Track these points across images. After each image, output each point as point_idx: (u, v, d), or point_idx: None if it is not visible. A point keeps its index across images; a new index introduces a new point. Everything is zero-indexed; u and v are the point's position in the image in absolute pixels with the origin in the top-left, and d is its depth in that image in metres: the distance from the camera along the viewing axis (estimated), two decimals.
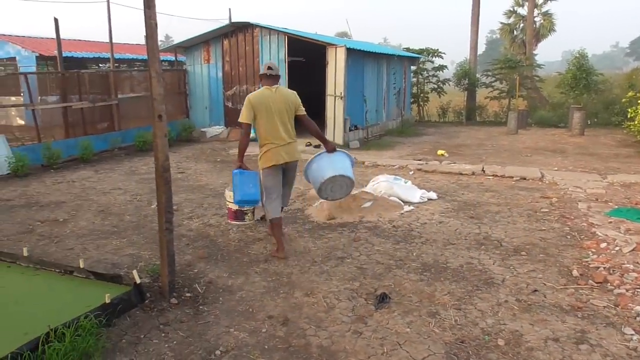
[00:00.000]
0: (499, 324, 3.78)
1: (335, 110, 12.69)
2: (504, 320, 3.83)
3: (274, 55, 13.52)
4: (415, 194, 7.36)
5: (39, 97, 13.44)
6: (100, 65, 20.19)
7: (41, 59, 16.72)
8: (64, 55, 17.33)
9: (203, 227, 6.19)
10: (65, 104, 10.75)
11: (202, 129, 14.42)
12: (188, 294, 4.33)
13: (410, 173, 9.40)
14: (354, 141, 13.03)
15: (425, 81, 21.74)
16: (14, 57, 17.15)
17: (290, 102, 5.16)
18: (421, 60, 20.47)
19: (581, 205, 6.95)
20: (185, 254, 5.31)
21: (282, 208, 5.46)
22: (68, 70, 11.58)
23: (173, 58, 16.06)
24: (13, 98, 15.20)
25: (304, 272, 4.78)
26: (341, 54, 12.11)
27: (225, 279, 4.66)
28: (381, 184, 7.39)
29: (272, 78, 5.17)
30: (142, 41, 25.18)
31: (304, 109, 5.32)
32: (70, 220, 6.51)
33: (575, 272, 4.68)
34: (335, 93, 12.56)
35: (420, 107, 21.63)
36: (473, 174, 9.16)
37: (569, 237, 5.72)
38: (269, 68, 5.15)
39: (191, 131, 13.88)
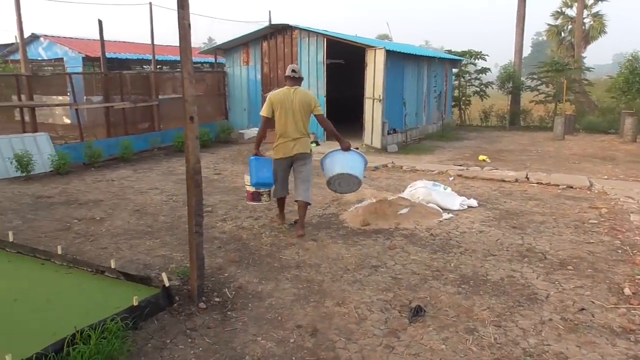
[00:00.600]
0: (542, 344, 3.52)
1: (373, 113, 12.48)
2: (547, 340, 3.56)
3: (312, 58, 13.45)
4: (455, 201, 7.09)
5: (85, 97, 13.86)
6: (145, 66, 20.64)
7: (87, 60, 17.23)
8: (108, 56, 17.82)
9: (236, 230, 6.12)
10: (107, 104, 10.97)
11: (240, 131, 14.49)
12: (217, 299, 4.24)
13: (450, 179, 9.11)
14: (392, 145, 12.78)
15: (468, 84, 21.21)
16: (62, 58, 17.75)
17: (306, 103, 5.68)
18: (463, 62, 19.99)
19: (633, 217, 6.52)
20: (216, 257, 5.25)
21: (287, 193, 6.18)
22: (110, 71, 11.82)
23: (213, 60, 16.20)
24: (60, 97, 15.71)
25: (335, 280, 4.62)
26: (380, 56, 11.91)
27: (255, 284, 4.56)
28: (419, 190, 7.16)
29: (294, 80, 5.76)
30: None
31: (320, 109, 5.83)
32: (106, 219, 6.57)
33: (627, 290, 4.34)
34: (373, 96, 12.36)
35: (462, 111, 21.11)
36: (516, 181, 8.78)
37: (620, 251, 5.34)
38: (293, 71, 5.77)
39: (229, 132, 13.96)
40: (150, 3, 12.26)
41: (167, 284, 4.06)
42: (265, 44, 14.15)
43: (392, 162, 10.51)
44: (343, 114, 17.32)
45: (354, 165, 5.86)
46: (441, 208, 6.86)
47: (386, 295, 4.31)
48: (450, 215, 6.66)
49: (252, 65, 14.41)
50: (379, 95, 12.07)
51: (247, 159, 6.52)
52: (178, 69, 17.54)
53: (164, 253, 5.35)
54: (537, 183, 8.59)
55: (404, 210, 6.51)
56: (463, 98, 20.98)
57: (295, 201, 6.08)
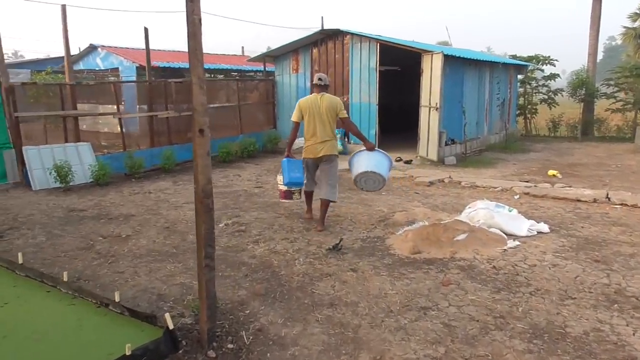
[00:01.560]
0: None
1: (429, 122, 11.56)
2: None
3: (364, 64, 12.70)
4: (522, 226, 6.10)
5: (138, 106, 13.70)
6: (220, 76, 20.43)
7: (141, 69, 17.31)
8: (161, 65, 17.87)
9: (267, 254, 5.44)
10: (151, 113, 10.70)
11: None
12: (230, 345, 3.56)
13: (516, 197, 8.06)
14: (449, 157, 11.78)
15: (534, 91, 19.75)
16: (117, 68, 17.96)
17: (332, 107, 6.16)
18: (529, 68, 18.58)
19: None
20: (240, 287, 4.59)
21: (313, 191, 6.66)
22: (155, 80, 11.58)
23: (262, 68, 15.78)
24: (113, 106, 15.77)
25: (375, 326, 3.82)
26: (437, 61, 10.99)
27: (279, 326, 3.85)
28: (479, 212, 6.22)
29: (320, 87, 6.29)
30: (238, 51, 25.58)
31: (345, 112, 6.30)
32: (132, 237, 6.09)
33: None
34: (430, 104, 11.44)
35: (527, 120, 19.66)
36: (595, 201, 7.62)
37: None
38: (320, 79, 6.31)
39: (277, 142, 13.43)
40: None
41: (171, 326, 3.42)
42: (315, 51, 13.55)
43: (449, 177, 9.55)
44: (397, 123, 16.49)
45: (377, 163, 6.15)
46: (505, 234, 5.90)
47: (436, 350, 3.48)
48: (517, 242, 5.69)
49: (301, 72, 13.84)
50: (436, 103, 11.14)
51: (281, 160, 6.76)
52: (230, 77, 17.28)
53: (183, 281, 4.75)
54: (621, 204, 7.40)
55: (462, 237, 5.61)
56: (529, 106, 19.53)
57: (319, 199, 6.42)
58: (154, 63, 17.85)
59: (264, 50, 15.09)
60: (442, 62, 10.83)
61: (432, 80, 11.32)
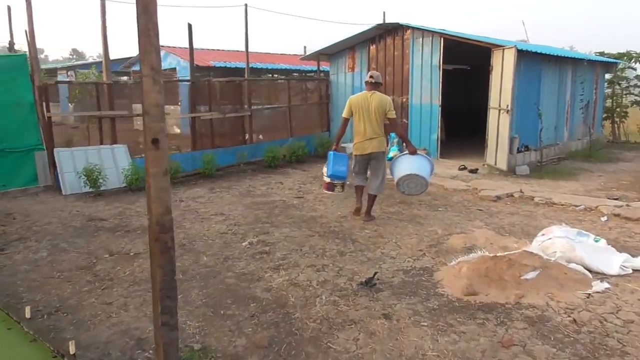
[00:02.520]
0: None
1: (499, 126, 10.17)
2: None
3: (426, 61, 11.48)
4: (613, 261, 4.78)
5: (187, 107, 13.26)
6: (269, 76, 19.99)
7: (197, 70, 17.00)
8: (217, 65, 17.49)
9: (286, 287, 4.50)
10: (193, 114, 10.11)
11: (343, 144, 12.88)
12: None
13: (603, 220, 6.62)
14: (522, 166, 10.32)
15: (624, 92, 17.52)
16: (175, 68, 17.79)
17: (381, 106, 6.28)
18: (620, 66, 16.45)
19: None
20: (241, 333, 3.67)
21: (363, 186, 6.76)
22: (198, 79, 11.00)
23: (316, 67, 14.90)
24: (172, 107, 15.53)
25: None
26: (510, 57, 9.60)
27: None
28: (556, 241, 4.94)
29: (372, 85, 6.41)
30: (294, 50, 24.87)
31: (394, 113, 6.38)
32: (141, 255, 5.37)
33: None
34: (499, 105, 10.06)
35: (615, 125, 17.46)
36: None
37: None
38: (371, 77, 6.45)
39: (329, 146, 12.46)
40: (246, 5, 11.25)
41: None
42: (372, 48, 12.48)
43: (520, 190, 8.18)
44: (463, 128, 15.06)
45: (420, 166, 6.34)
46: (590, 272, 4.61)
47: None
48: (606, 284, 4.39)
49: (357, 71, 12.82)
50: (507, 105, 9.74)
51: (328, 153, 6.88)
52: (280, 77, 16.51)
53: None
54: None
55: (532, 274, 4.39)
56: (618, 109, 17.34)
57: (367, 193, 6.69)
58: (210, 62, 17.58)
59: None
60: (515, 58, 9.43)
61: (502, 79, 9.93)
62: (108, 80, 8.89)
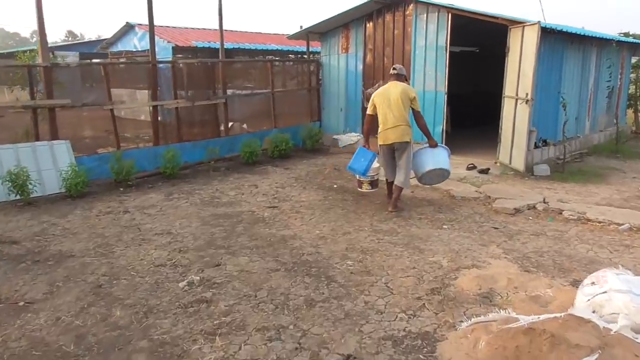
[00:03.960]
0: None
1: (515, 119, 8.60)
2: None
3: (430, 41, 9.87)
4: None
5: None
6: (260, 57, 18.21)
7: (178, 50, 15.42)
8: (200, 45, 15.86)
9: None
10: (154, 102, 8.56)
11: (335, 136, 11.40)
12: None
13: None
14: (541, 165, 8.78)
15: None
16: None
17: (405, 94, 6.23)
18: None
19: None
20: None
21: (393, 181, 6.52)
22: (160, 60, 9.44)
23: (304, 48, 13.26)
24: (136, 92, 13.72)
25: None
26: (531, 36, 8.00)
27: None
28: (615, 298, 3.41)
29: (395, 76, 6.41)
30: (290, 30, 23.02)
31: (418, 105, 6.36)
32: (35, 305, 3.90)
33: None
34: (517, 94, 8.48)
35: (639, 114, 15.81)
36: None
37: None
38: (394, 68, 6.49)
39: (318, 138, 10.95)
40: None
41: None
42: (369, 26, 10.85)
43: (544, 201, 6.67)
44: (468, 117, 13.45)
45: (443, 160, 6.59)
46: None
47: None
48: None
49: (352, 52, 11.19)
50: (526, 94, 8.16)
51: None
52: (260, 58, 14.78)
53: None
54: None
55: None
56: None
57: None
58: (192, 43, 15.95)
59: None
60: (539, 37, 7.82)
61: (522, 63, 8.34)
62: (44, 62, 7.33)
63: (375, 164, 6.84)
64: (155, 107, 8.61)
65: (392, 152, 6.39)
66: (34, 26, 6.62)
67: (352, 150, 11.23)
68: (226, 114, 9.72)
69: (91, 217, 6.21)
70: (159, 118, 8.86)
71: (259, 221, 6.03)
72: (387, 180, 6.64)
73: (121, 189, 7.52)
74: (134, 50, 17.19)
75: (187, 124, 9.18)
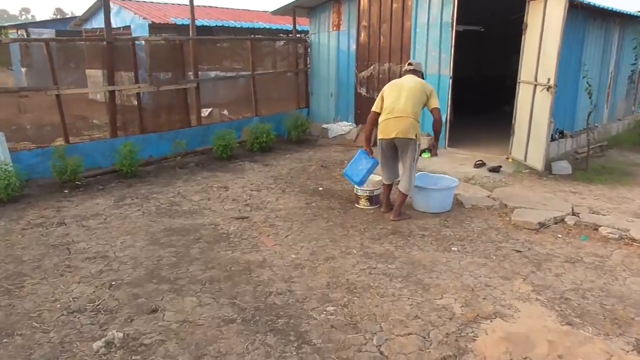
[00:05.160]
0: None
1: (533, 108, 7.37)
2: None
3: (434, 16, 8.56)
4: None
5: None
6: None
7: (154, 28, 14.04)
8: (179, 22, 14.44)
9: None
10: (111, 87, 7.27)
11: (324, 126, 10.15)
12: None
13: None
14: (560, 162, 7.58)
15: None
16: (129, 26, 14.73)
17: (419, 88, 5.24)
18: None
19: None
20: None
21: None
22: (117, 38, 8.12)
23: (301, 27, 11.95)
24: (93, 72, 12.23)
25: None
26: (557, 10, 6.73)
27: None
28: None
29: (410, 72, 5.45)
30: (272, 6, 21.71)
31: (436, 102, 5.30)
32: None
33: None
34: (536, 79, 7.24)
35: None
36: None
37: None
38: (409, 64, 5.54)
39: (305, 128, 9.68)
40: None
41: None
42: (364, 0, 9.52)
43: (573, 212, 5.49)
44: (470, 103, 12.21)
45: (443, 204, 5.62)
46: None
47: None
48: None
49: (344, 30, 9.86)
50: (548, 79, 6.92)
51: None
52: (238, 36, 13.34)
53: None
54: None
55: None
56: None
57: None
58: (170, 20, 14.55)
59: None
60: (566, 11, 6.54)
61: (542, 43, 7.08)
62: None
63: (377, 177, 5.74)
64: (112, 92, 7.31)
65: (393, 150, 5.36)
66: (23, 3, 5.29)
67: (343, 142, 10.09)
68: (198, 100, 8.44)
69: (15, 232, 4.99)
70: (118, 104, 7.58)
71: (222, 239, 4.82)
72: (384, 184, 5.62)
73: (66, 191, 6.28)
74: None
75: (152, 112, 7.91)
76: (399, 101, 5.16)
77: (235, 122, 9.09)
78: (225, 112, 10.33)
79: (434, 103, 5.25)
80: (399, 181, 5.55)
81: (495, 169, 7.43)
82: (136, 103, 7.70)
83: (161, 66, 7.94)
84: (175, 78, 8.05)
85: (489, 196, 6.13)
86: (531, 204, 5.75)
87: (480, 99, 12.60)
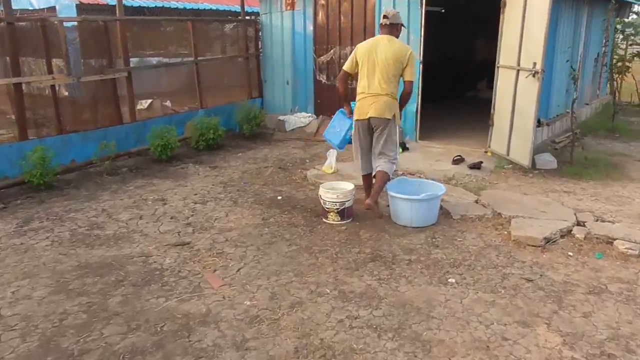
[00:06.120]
0: None
1: (516, 96, 6.54)
2: None
3: None
4: None
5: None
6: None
7: (83, 10, 12.44)
8: (128, 4, 12.79)
9: None
10: (16, 79, 5.89)
11: (281, 117, 9.05)
12: None
13: None
14: (543, 155, 6.84)
15: (628, 42, 14.27)
16: (54, 7, 12.99)
17: (396, 58, 4.66)
18: (635, 9, 13.09)
19: None
20: None
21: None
22: (22, 17, 6.72)
23: (251, 8, 10.71)
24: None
25: None
26: None
27: None
28: None
29: (387, 28, 4.78)
30: None
31: (412, 74, 4.75)
32: None
33: None
34: (518, 64, 6.41)
35: (616, 83, 14.22)
36: None
37: None
38: (385, 16, 4.80)
39: (260, 121, 8.55)
40: None
41: None
42: None
43: (578, 221, 4.69)
44: (436, 88, 11.42)
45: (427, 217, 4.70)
46: None
47: None
48: None
49: (299, 9, 8.73)
50: (534, 63, 6.09)
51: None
52: (176, 17, 11.87)
53: None
54: None
55: None
56: (619, 64, 14.02)
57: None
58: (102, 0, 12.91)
59: None
60: None
61: (525, 22, 6.25)
62: None
63: (348, 185, 4.95)
64: (18, 85, 5.93)
65: (370, 134, 4.87)
66: None
67: (303, 136, 9.02)
68: (131, 91, 7.14)
69: None
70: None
71: (153, 279, 3.71)
72: (362, 175, 5.08)
73: None
74: (31, 9, 13.88)
75: (73, 108, 6.59)
76: (373, 77, 4.70)
77: (176, 116, 7.86)
78: (168, 103, 9.06)
79: (409, 75, 4.72)
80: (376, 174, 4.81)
81: (477, 166, 6.58)
82: (52, 97, 6.34)
83: (82, 52, 6.60)
84: (100, 66, 6.73)
85: (477, 202, 5.26)
86: (528, 211, 4.91)
87: (444, 85, 11.83)
